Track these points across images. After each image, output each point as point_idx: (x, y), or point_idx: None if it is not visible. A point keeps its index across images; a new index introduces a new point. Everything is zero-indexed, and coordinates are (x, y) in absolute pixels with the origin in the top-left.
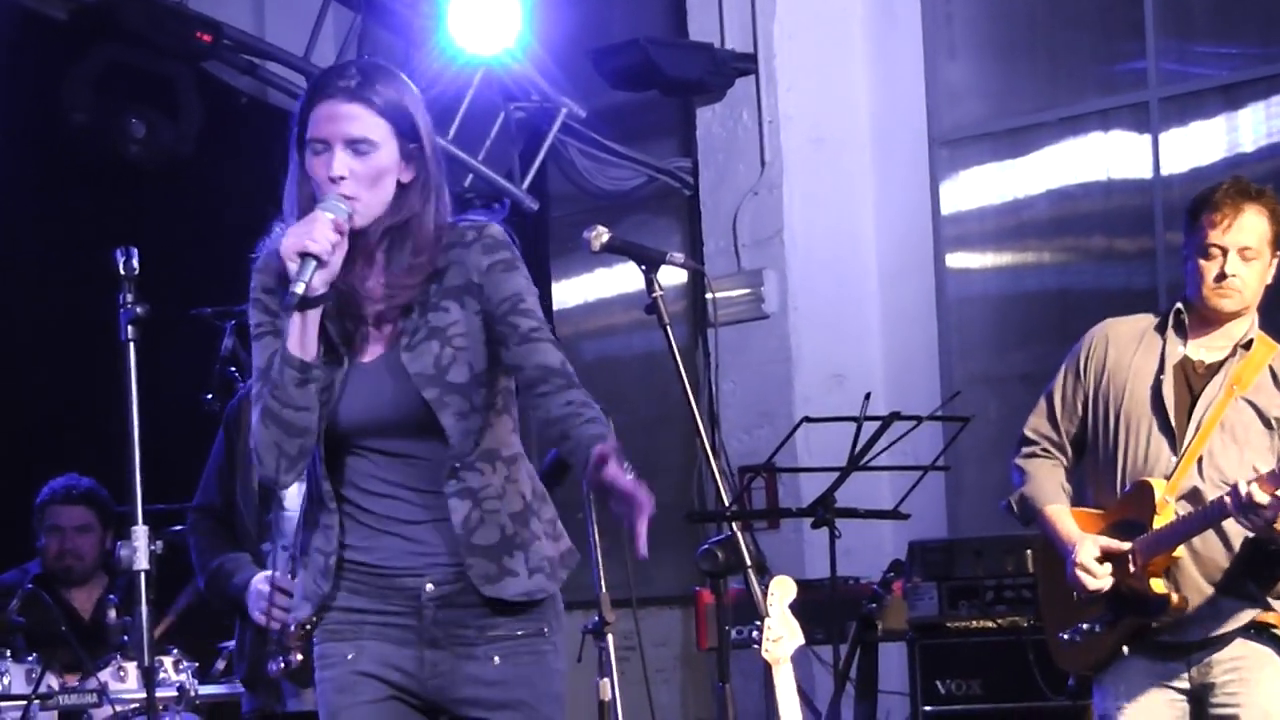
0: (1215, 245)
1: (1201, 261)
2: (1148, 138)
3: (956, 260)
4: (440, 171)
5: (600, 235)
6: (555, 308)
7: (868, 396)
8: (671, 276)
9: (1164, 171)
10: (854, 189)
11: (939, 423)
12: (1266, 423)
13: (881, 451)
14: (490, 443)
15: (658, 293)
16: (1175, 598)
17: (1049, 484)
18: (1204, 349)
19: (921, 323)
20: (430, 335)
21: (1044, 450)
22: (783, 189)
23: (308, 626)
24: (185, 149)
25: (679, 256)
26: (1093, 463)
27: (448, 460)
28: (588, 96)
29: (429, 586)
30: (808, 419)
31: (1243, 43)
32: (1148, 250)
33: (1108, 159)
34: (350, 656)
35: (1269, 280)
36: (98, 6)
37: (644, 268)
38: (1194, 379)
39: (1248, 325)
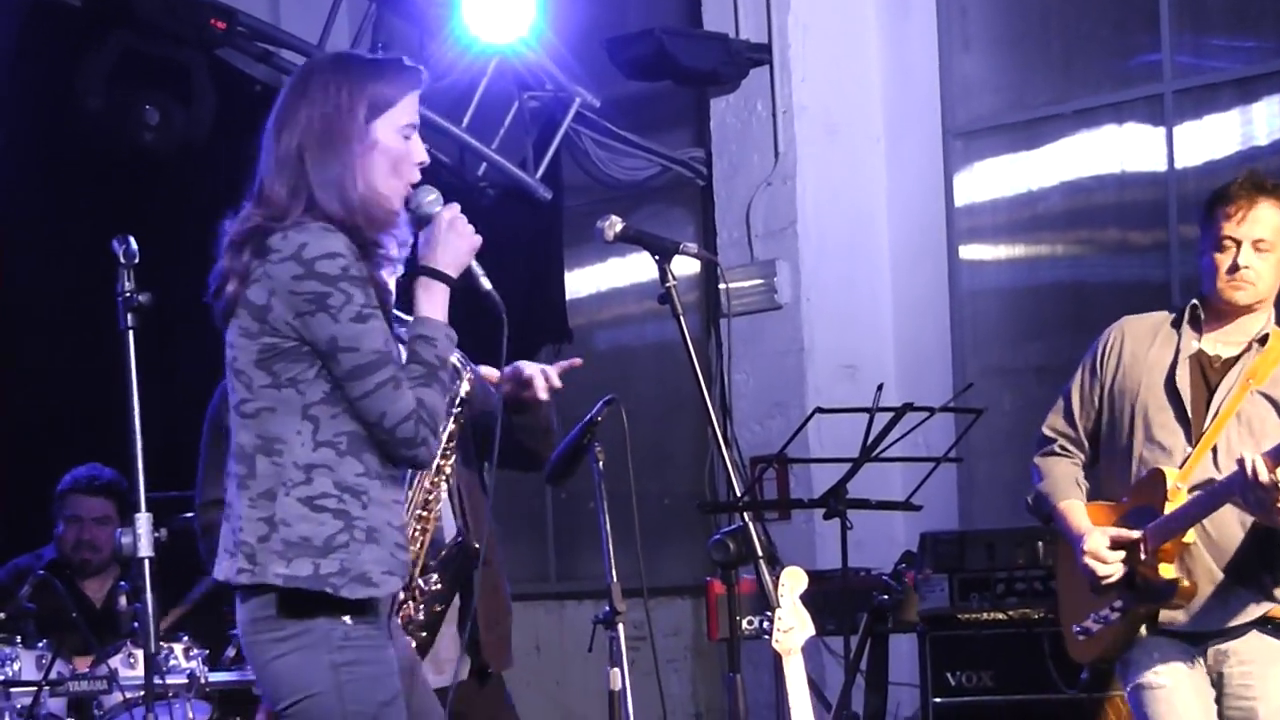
0: (1229, 238)
1: (1216, 255)
2: (1162, 130)
3: (970, 252)
4: None
5: (614, 225)
6: (568, 297)
7: (880, 388)
8: (684, 267)
9: (1178, 165)
10: (868, 180)
11: (951, 414)
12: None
13: (894, 443)
14: None
15: (671, 283)
16: (1185, 583)
17: (1064, 481)
18: (1220, 343)
19: (934, 314)
20: None
21: (1061, 448)
22: (796, 180)
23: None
24: (199, 136)
25: (692, 247)
26: (1108, 458)
27: None
28: (602, 86)
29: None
30: (820, 410)
31: (1258, 36)
32: (1161, 243)
33: (1122, 152)
34: (389, 638)
35: None
36: None
37: (657, 258)
38: (1210, 372)
39: (1264, 321)
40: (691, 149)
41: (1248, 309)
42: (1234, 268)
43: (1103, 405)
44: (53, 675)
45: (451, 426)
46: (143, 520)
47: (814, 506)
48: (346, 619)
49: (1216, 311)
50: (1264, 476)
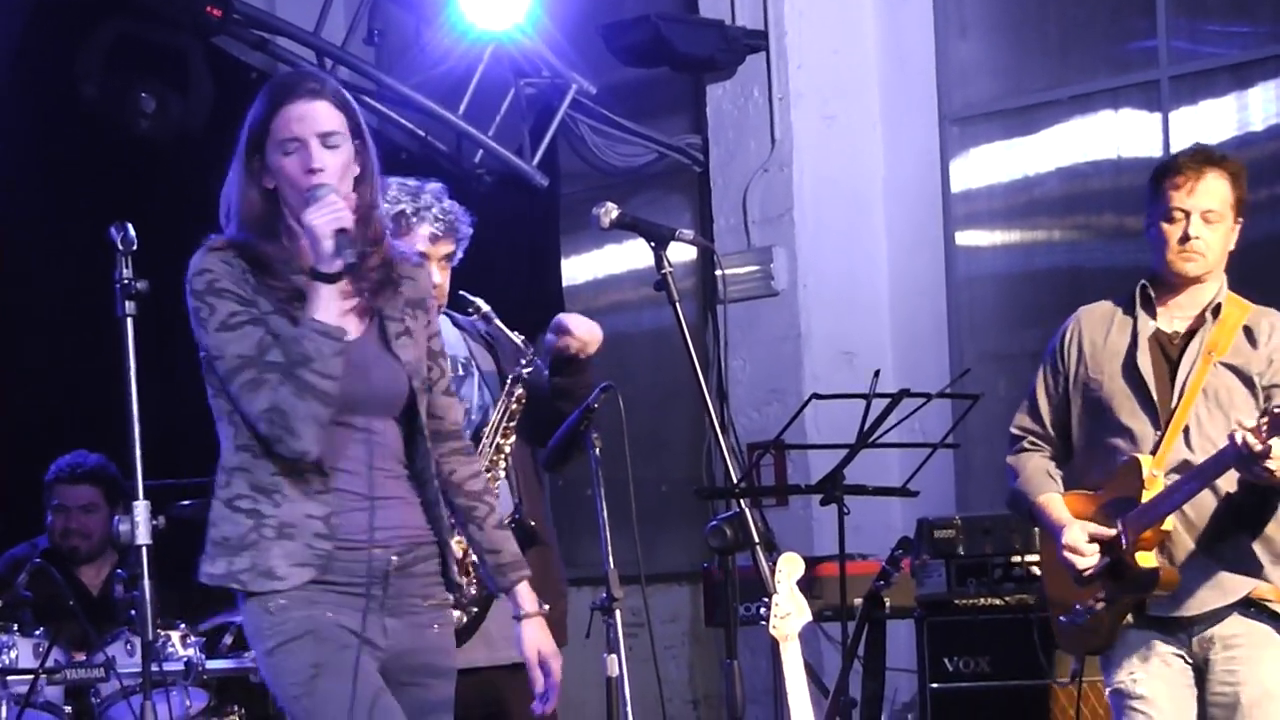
0: (1178, 209)
1: (1165, 226)
2: (1158, 116)
3: (966, 238)
4: (378, 169)
5: (610, 212)
6: (565, 284)
7: (877, 374)
8: (681, 253)
9: (1174, 150)
10: (864, 166)
11: (948, 400)
12: (1248, 382)
13: (890, 429)
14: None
15: (667, 269)
16: (1165, 571)
17: (1037, 475)
18: (1174, 318)
19: (931, 300)
20: (409, 334)
21: (1030, 444)
22: (793, 166)
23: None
24: (195, 124)
25: (688, 233)
26: (1082, 450)
27: (423, 446)
28: (598, 73)
29: (394, 558)
30: (817, 396)
31: (1254, 22)
32: None
33: (1118, 137)
34: (329, 615)
35: (1232, 246)
36: None
37: (653, 244)
38: (1169, 348)
39: (1214, 290)
40: (688, 135)
41: (1197, 280)
42: (1184, 238)
43: (1069, 399)
44: (49, 663)
45: (513, 406)
46: (140, 508)
47: (811, 492)
48: (267, 610)
49: (1168, 285)
50: (1256, 446)
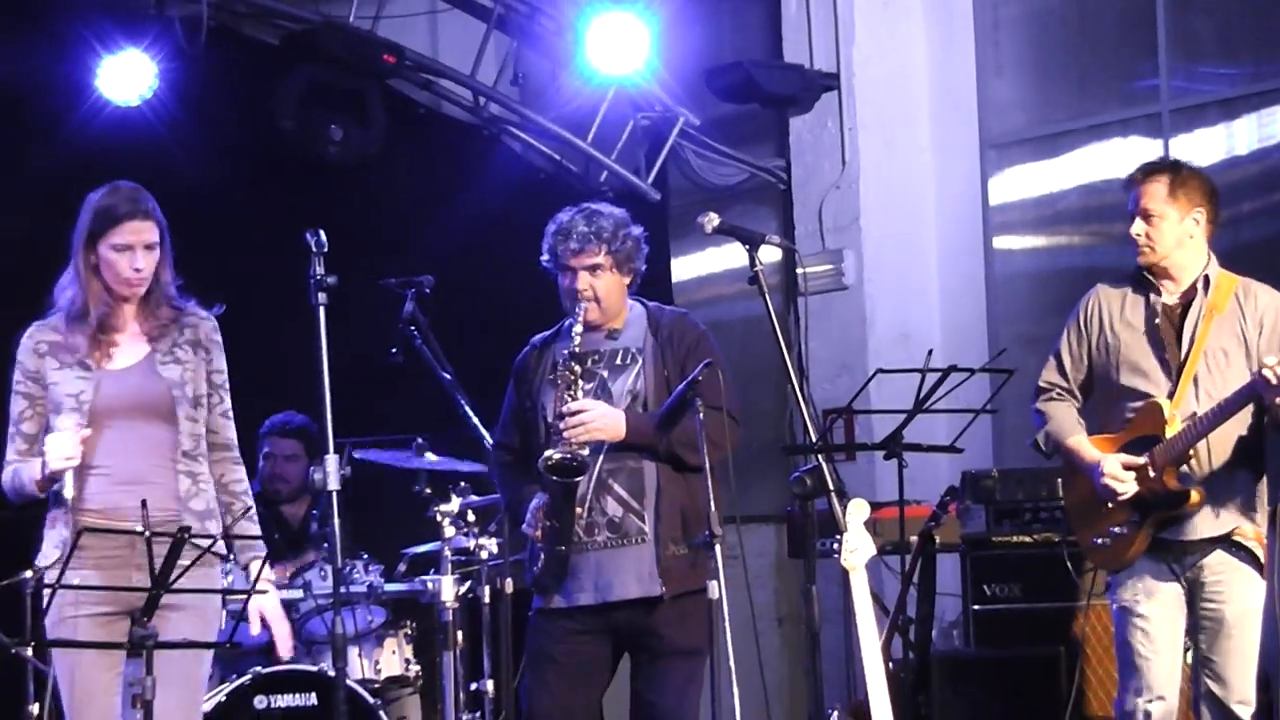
0: (1130, 212)
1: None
2: (1160, 142)
3: (1003, 243)
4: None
5: (712, 220)
6: (674, 280)
7: (930, 353)
8: (769, 255)
9: None
10: (918, 184)
11: (988, 374)
12: (1244, 343)
13: (940, 398)
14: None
15: (759, 267)
16: (1194, 490)
17: (1067, 421)
18: (1170, 294)
19: (973, 294)
20: (177, 361)
21: (1057, 395)
22: (860, 183)
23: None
24: (373, 151)
25: (776, 238)
26: (1100, 401)
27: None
28: (701, 108)
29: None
30: (881, 371)
31: (1240, 65)
32: None
33: (1127, 160)
34: None
35: (1193, 235)
36: (303, 33)
37: (748, 247)
38: (1171, 316)
39: (1199, 267)
40: (774, 159)
41: (1150, 265)
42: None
43: (1092, 359)
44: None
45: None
46: (331, 460)
47: (875, 449)
48: None
49: (1155, 270)
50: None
